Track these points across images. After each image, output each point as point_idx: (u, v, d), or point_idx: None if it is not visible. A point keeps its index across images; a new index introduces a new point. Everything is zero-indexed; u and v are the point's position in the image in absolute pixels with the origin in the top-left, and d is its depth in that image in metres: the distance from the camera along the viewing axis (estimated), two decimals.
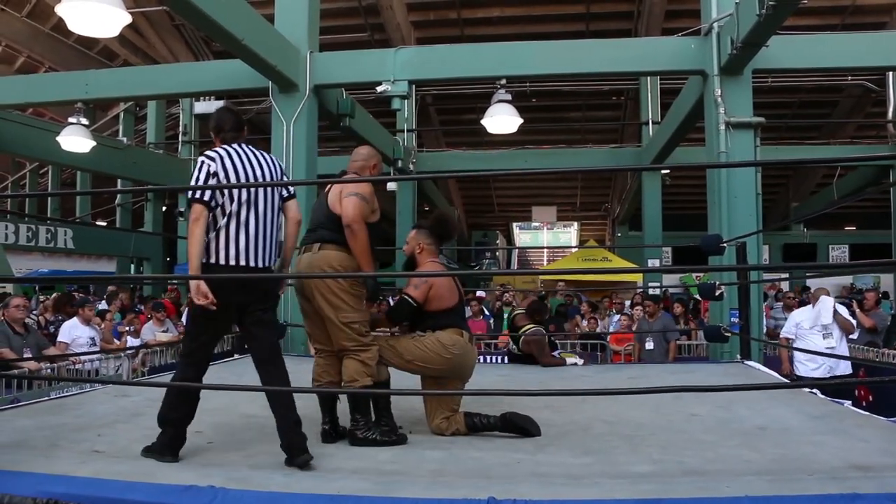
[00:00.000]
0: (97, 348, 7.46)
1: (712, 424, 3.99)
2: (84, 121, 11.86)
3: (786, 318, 9.44)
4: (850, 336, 7.32)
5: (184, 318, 9.86)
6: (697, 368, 6.56)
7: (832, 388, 5.40)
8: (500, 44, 9.82)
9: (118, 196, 17.62)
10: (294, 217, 3.53)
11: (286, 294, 7.75)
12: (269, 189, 3.38)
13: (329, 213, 3.65)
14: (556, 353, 7.50)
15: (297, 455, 3.08)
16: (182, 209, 16.19)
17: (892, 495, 2.50)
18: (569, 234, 29.33)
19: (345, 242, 3.58)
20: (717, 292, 6.42)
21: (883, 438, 3.52)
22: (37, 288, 14.56)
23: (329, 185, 3.81)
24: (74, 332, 7.51)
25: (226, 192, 3.25)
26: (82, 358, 6.94)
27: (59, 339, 7.51)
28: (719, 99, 7.82)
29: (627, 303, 11.80)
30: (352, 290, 3.58)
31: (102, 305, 9.81)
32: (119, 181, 15.54)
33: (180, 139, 16.42)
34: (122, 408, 4.42)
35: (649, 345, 8.32)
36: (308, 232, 3.79)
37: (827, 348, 6.71)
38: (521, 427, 3.72)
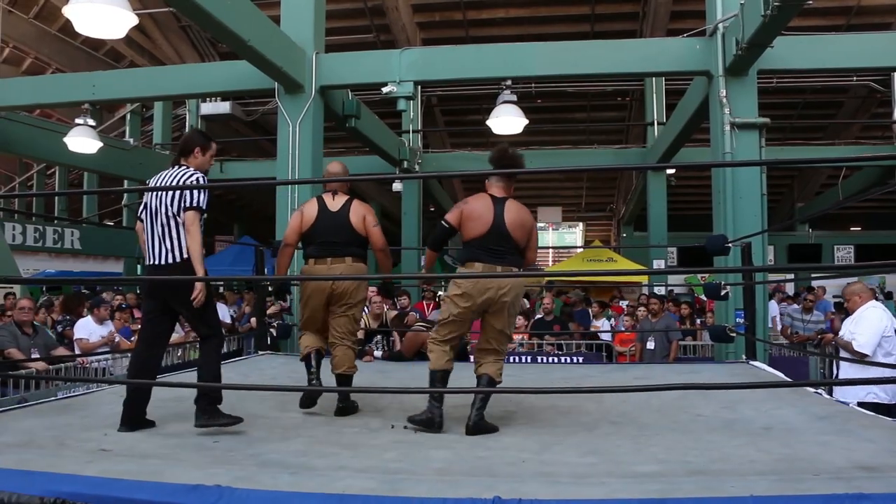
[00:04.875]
0: (108, 348, 7.50)
1: (717, 425, 3.99)
2: (91, 122, 11.91)
3: (802, 320, 9.42)
4: None
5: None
6: (703, 369, 6.55)
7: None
8: (505, 45, 9.84)
9: (125, 196, 17.65)
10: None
11: (293, 296, 7.84)
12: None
13: (356, 235, 4.59)
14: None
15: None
16: None
17: None
18: (574, 235, 29.28)
19: (365, 259, 4.67)
20: (723, 292, 6.40)
21: (889, 439, 3.51)
22: (44, 289, 14.58)
23: (344, 205, 4.63)
24: (89, 329, 7.55)
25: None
26: (90, 357, 6.98)
27: (79, 336, 7.55)
28: (724, 99, 7.82)
29: (625, 303, 11.79)
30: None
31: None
32: (126, 182, 15.58)
33: None
34: None
35: (650, 344, 8.31)
36: (328, 245, 4.56)
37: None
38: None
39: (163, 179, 4.02)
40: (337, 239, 4.54)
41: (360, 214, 4.60)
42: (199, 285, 3.82)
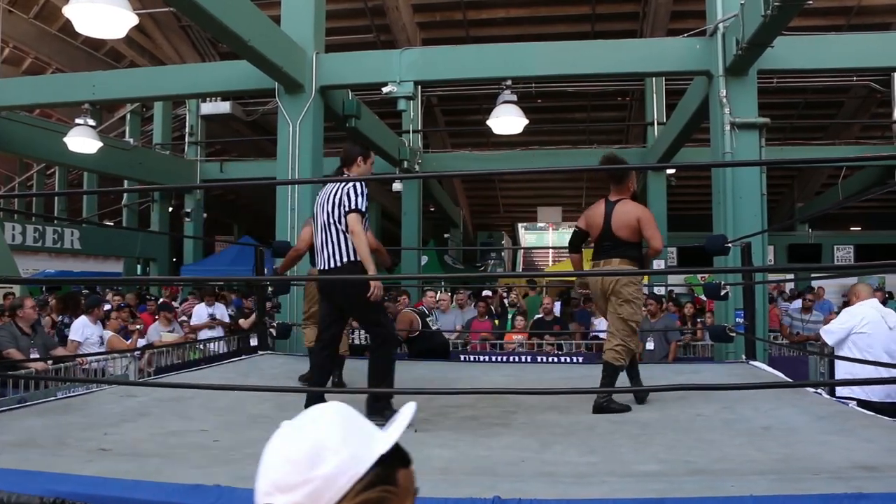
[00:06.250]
0: (107, 347, 7.49)
1: (718, 424, 3.99)
2: (91, 122, 11.90)
3: (802, 319, 9.43)
4: None
5: (199, 316, 9.89)
6: (702, 368, 6.55)
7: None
8: (505, 45, 9.84)
9: (125, 197, 17.67)
10: None
11: (293, 297, 7.89)
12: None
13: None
14: None
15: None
16: (189, 210, 16.26)
17: None
18: None
19: None
20: (723, 292, 6.40)
21: (888, 438, 3.51)
22: (43, 289, 14.58)
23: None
24: (87, 332, 7.53)
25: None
26: (89, 358, 6.97)
27: (71, 337, 7.53)
28: (724, 99, 7.81)
29: None
30: None
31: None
32: (125, 182, 15.59)
33: (186, 140, 16.48)
34: (129, 407, 4.44)
35: (650, 345, 8.29)
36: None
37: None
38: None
39: (327, 189, 4.34)
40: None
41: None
42: (372, 282, 4.11)
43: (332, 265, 4.24)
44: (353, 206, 4.15)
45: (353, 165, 4.44)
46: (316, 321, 5.32)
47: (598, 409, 4.33)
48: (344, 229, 4.20)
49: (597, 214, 4.70)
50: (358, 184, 4.22)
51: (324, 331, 4.41)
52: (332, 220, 4.23)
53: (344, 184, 4.23)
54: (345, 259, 4.21)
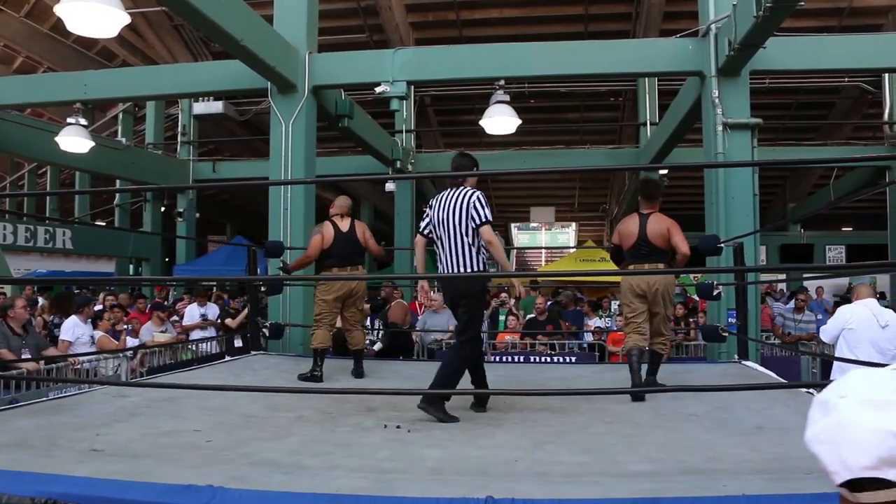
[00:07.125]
0: (97, 347, 7.45)
1: (710, 424, 4.00)
2: (83, 121, 11.83)
3: (794, 319, 9.47)
4: None
5: (191, 316, 9.86)
6: (695, 368, 6.56)
7: None
8: (498, 45, 9.83)
9: (117, 196, 17.58)
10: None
11: (285, 297, 7.89)
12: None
13: (360, 248, 6.10)
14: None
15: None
16: (181, 210, 16.20)
17: None
18: (567, 235, 29.32)
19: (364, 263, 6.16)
20: (715, 292, 6.42)
21: None
22: (35, 289, 14.50)
23: (350, 225, 6.04)
24: (77, 331, 7.50)
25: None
26: (81, 358, 6.94)
27: (62, 337, 7.49)
28: (717, 100, 7.84)
29: (617, 303, 11.79)
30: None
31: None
32: (118, 182, 15.51)
33: (179, 140, 16.41)
34: (121, 408, 4.42)
35: None
36: (345, 256, 5.98)
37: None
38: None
39: (448, 199, 4.52)
40: (350, 252, 6.03)
41: (361, 231, 6.10)
42: (515, 281, 5.20)
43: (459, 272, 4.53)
44: (483, 219, 4.41)
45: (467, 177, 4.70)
46: (327, 324, 5.91)
47: (649, 384, 4.85)
48: (470, 242, 4.43)
49: (631, 225, 5.19)
50: (481, 195, 4.48)
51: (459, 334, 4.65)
52: (458, 232, 4.44)
53: (466, 196, 4.46)
54: (468, 269, 4.47)
